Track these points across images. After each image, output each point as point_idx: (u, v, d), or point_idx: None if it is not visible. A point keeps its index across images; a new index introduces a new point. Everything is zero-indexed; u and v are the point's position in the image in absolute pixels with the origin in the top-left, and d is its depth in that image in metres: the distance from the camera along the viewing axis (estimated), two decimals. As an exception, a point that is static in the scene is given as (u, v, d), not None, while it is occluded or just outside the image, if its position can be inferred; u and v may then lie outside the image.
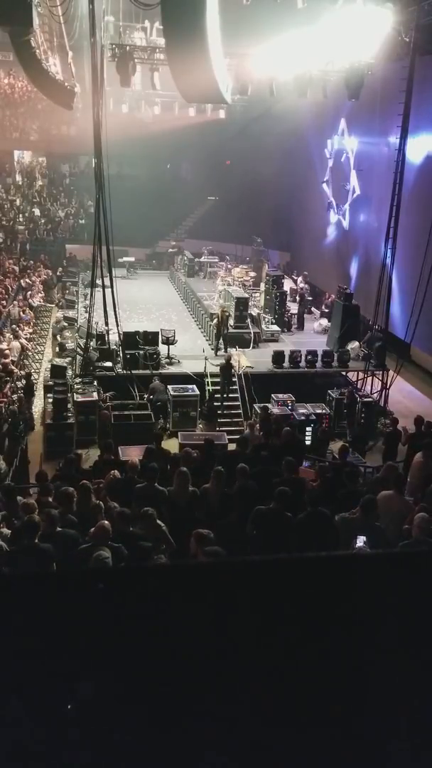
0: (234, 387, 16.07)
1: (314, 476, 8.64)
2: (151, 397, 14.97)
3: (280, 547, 6.22)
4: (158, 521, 6.51)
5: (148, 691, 1.78)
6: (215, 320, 18.02)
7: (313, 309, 22.99)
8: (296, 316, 21.20)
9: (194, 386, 15.47)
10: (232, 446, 11.30)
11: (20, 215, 31.70)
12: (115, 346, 16.62)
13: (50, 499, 7.18)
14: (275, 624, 1.84)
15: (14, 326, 19.68)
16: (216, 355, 17.28)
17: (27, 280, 25.08)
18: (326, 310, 21.66)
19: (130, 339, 16.50)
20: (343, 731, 1.85)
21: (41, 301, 24.18)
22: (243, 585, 1.87)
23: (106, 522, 5.95)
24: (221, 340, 17.65)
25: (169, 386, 15.33)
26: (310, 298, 23.09)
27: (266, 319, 20.10)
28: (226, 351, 17.57)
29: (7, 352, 16.98)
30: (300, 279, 23.82)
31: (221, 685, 1.81)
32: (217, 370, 16.18)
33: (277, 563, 2.05)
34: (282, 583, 1.89)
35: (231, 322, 18.64)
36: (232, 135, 30.16)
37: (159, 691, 1.78)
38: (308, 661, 1.84)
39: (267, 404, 14.74)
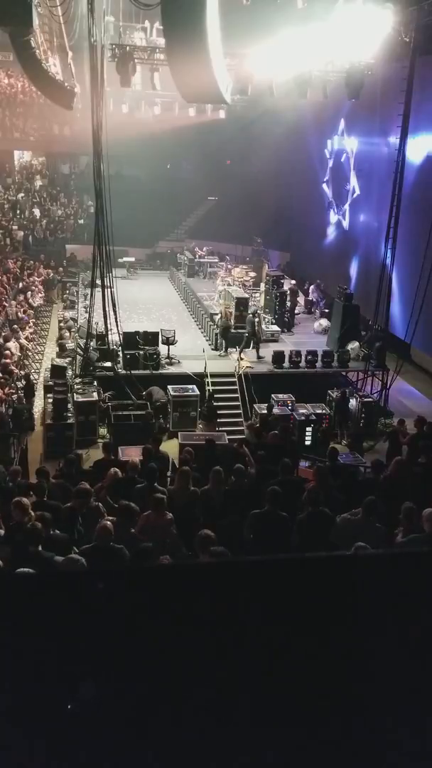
0: (234, 387, 16.10)
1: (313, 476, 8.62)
2: (151, 399, 14.93)
3: (277, 548, 6.21)
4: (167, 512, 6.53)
5: (148, 690, 1.78)
6: (220, 319, 18.02)
7: (313, 309, 22.98)
8: (290, 311, 21.14)
9: (194, 386, 15.47)
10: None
11: (20, 215, 31.69)
12: (114, 346, 16.62)
13: (45, 499, 7.17)
14: (276, 624, 1.84)
15: (14, 326, 19.67)
16: (220, 355, 17.42)
17: (27, 280, 25.08)
18: (326, 310, 21.65)
19: (130, 339, 16.50)
20: (343, 730, 1.85)
21: (41, 301, 24.18)
22: (243, 585, 1.87)
23: (108, 522, 5.95)
24: (225, 340, 17.67)
25: (169, 386, 15.33)
26: (325, 307, 22.95)
27: (266, 319, 20.09)
28: (226, 351, 17.60)
29: (7, 352, 16.98)
30: (312, 288, 23.64)
31: (221, 684, 1.81)
32: (218, 370, 16.35)
33: (277, 563, 2.05)
34: (282, 583, 1.89)
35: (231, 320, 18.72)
36: (232, 135, 30.14)
37: (159, 690, 1.78)
38: (308, 661, 1.84)
39: (270, 405, 14.73)
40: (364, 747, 1.86)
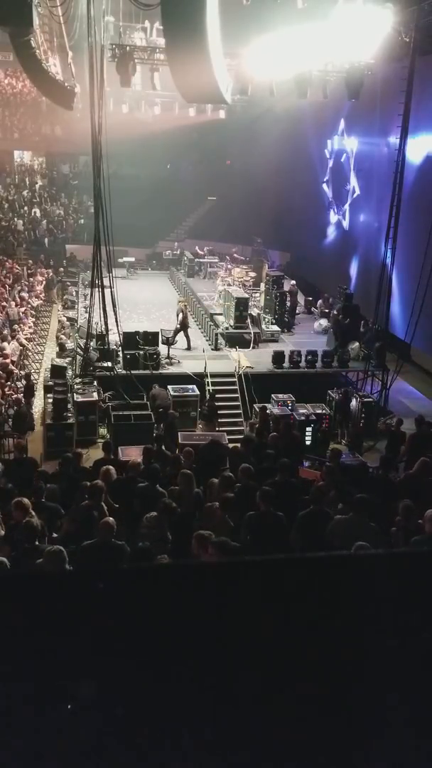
0: (234, 387, 16.13)
1: (319, 477, 8.62)
2: (155, 402, 14.88)
3: (273, 549, 6.21)
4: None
5: (148, 691, 1.78)
6: (180, 316, 17.91)
7: (313, 309, 22.97)
8: (290, 311, 21.10)
9: (194, 386, 15.48)
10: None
11: (19, 215, 31.72)
12: (114, 346, 16.62)
13: (43, 500, 7.17)
14: (275, 624, 1.84)
15: (14, 326, 19.68)
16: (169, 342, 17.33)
17: (27, 280, 25.08)
18: (327, 311, 21.63)
19: (130, 339, 16.50)
20: (342, 732, 1.85)
21: (41, 301, 24.19)
22: (243, 585, 1.87)
23: (111, 519, 5.95)
24: (178, 336, 17.62)
25: (169, 386, 15.33)
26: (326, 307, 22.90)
27: (266, 319, 20.09)
28: (190, 348, 17.66)
29: (7, 352, 16.98)
30: (320, 302, 23.55)
31: (220, 685, 1.81)
32: (218, 370, 16.45)
33: (277, 563, 2.05)
34: (282, 583, 1.89)
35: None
36: (232, 135, 30.14)
37: (159, 691, 1.78)
38: (308, 662, 1.84)
39: (265, 404, 14.72)
40: (363, 747, 1.86)
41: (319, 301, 23.21)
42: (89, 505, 6.67)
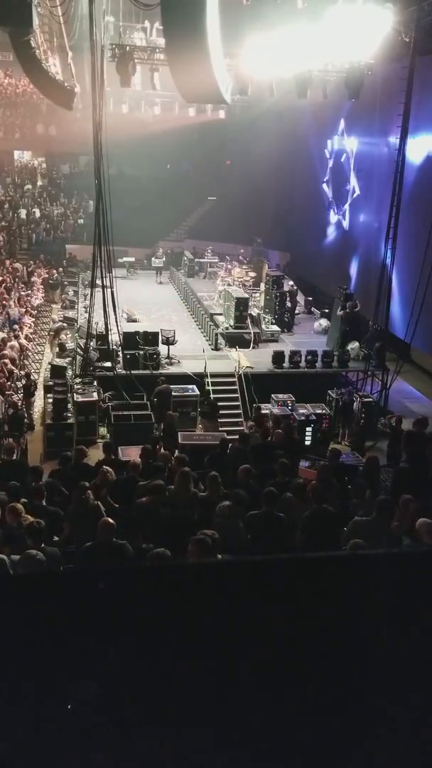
0: (234, 387, 16.13)
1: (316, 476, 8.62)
2: (155, 399, 14.86)
3: (274, 549, 6.19)
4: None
5: (148, 690, 1.78)
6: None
7: (313, 309, 22.97)
8: (290, 311, 21.07)
9: (194, 386, 15.48)
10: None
11: (19, 214, 31.72)
12: (114, 347, 16.63)
13: (44, 503, 7.12)
14: (275, 624, 1.84)
15: (14, 326, 19.67)
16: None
17: (27, 280, 25.07)
18: (327, 310, 21.60)
19: (130, 339, 16.51)
20: (341, 733, 1.85)
21: (41, 300, 24.18)
22: (243, 585, 1.87)
23: (110, 519, 5.95)
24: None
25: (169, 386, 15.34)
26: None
27: (266, 319, 20.10)
28: None
29: (6, 352, 16.97)
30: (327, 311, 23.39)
31: (222, 684, 1.81)
32: (218, 370, 16.49)
33: (277, 563, 2.05)
34: (282, 583, 1.89)
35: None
36: (232, 135, 30.14)
37: (159, 690, 1.78)
38: (308, 662, 1.84)
39: (260, 405, 14.67)
40: (363, 746, 1.86)
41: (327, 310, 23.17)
42: (149, 502, 6.67)
